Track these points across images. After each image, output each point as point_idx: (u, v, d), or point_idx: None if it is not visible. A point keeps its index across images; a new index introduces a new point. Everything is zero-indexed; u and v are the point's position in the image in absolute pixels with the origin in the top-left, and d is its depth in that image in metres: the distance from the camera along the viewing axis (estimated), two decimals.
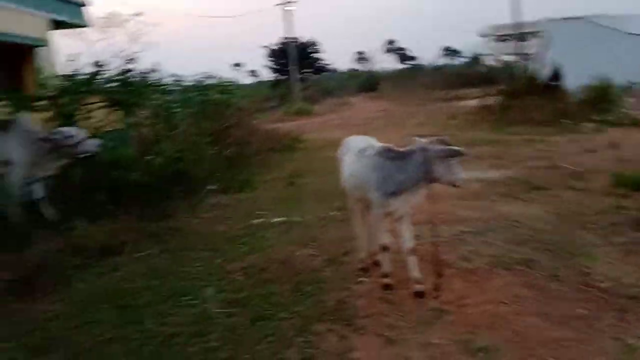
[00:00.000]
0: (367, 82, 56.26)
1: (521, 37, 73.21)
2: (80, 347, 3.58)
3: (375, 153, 4.09)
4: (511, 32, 72.10)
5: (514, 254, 4.67)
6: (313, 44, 46.15)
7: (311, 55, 45.68)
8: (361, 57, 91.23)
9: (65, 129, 6.51)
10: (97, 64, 8.85)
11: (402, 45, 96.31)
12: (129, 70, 8.92)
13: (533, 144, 10.33)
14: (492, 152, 9.74)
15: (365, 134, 5.10)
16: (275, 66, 46.91)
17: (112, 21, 8.39)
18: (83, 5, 13.33)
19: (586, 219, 5.54)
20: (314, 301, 3.96)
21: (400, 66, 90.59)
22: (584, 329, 3.34)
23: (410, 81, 46.48)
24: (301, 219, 6.43)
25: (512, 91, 16.34)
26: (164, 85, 10.05)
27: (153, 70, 10.10)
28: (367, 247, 4.54)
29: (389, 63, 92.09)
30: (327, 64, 48.76)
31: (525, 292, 3.90)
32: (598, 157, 8.71)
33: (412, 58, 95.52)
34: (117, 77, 8.69)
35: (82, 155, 6.46)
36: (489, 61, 70.81)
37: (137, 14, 8.39)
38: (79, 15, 13.12)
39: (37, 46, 11.12)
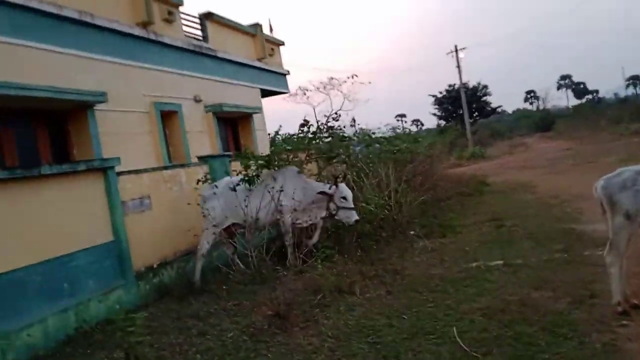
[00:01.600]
0: (540, 122, 53.19)
1: None
2: None
3: None
4: None
5: None
6: (482, 87, 45.28)
7: (480, 99, 44.76)
8: (532, 96, 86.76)
9: (344, 188, 7.35)
10: (305, 124, 9.83)
11: (578, 80, 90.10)
12: (332, 127, 9.72)
13: None
14: None
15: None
16: (440, 113, 46.94)
17: (330, 84, 9.30)
18: (287, 74, 15.05)
19: None
20: (575, 344, 3.79)
21: (577, 101, 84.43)
22: None
23: (592, 117, 42.95)
24: (522, 261, 6.24)
25: None
26: (361, 137, 10.74)
27: (351, 125, 10.91)
28: (622, 288, 4.26)
29: (563, 100, 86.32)
30: (496, 107, 47.26)
31: None
32: None
33: (591, 92, 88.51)
34: (322, 134, 9.53)
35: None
36: None
37: (353, 76, 9.30)
38: (284, 83, 14.82)
39: (254, 113, 12.77)
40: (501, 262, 6.37)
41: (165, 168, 8.08)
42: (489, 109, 46.81)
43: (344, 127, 10.49)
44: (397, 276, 6.38)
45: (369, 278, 6.33)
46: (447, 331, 4.46)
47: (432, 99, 46.48)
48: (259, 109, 13.07)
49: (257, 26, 13.83)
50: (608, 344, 3.71)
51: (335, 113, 9.47)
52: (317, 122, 9.05)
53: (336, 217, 7.36)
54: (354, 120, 10.91)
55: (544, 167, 18.32)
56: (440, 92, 46.16)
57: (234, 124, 12.78)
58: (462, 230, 8.71)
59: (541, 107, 74.37)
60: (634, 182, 4.13)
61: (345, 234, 7.63)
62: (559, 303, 4.67)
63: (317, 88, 9.42)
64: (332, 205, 7.16)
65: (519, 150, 33.11)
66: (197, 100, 10.93)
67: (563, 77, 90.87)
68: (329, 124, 9.66)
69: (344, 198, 7.16)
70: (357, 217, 7.27)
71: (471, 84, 43.81)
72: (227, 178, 7.72)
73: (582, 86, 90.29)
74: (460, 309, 4.98)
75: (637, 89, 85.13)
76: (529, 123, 57.10)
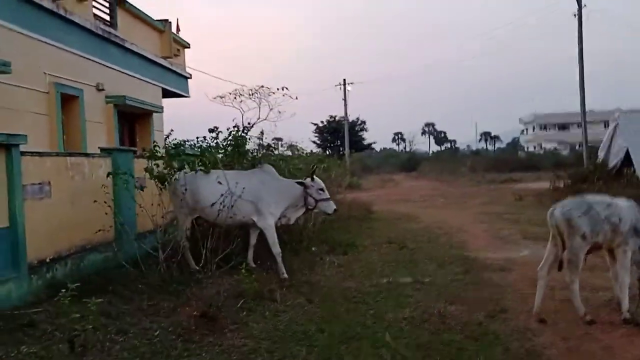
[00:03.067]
0: (407, 162, 57.49)
1: (564, 126, 74.10)
2: None
3: None
4: (555, 121, 73.34)
5: None
6: (360, 122, 47.83)
7: (357, 133, 47.18)
8: (399, 137, 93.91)
9: (318, 181, 7.26)
10: (214, 130, 9.58)
11: (440, 129, 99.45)
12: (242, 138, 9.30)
13: None
14: None
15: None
16: (319, 142, 48.50)
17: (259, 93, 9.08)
18: (189, 78, 14.59)
19: None
20: (502, 350, 4.21)
21: (437, 148, 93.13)
22: None
23: (451, 163, 47.64)
24: (430, 280, 6.71)
25: (581, 175, 16.67)
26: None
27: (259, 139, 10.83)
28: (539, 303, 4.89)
29: (425, 145, 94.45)
30: (370, 142, 50.20)
31: None
32: None
33: (450, 141, 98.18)
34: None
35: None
36: (530, 148, 71.99)
37: (283, 88, 9.05)
38: (185, 86, 14.34)
39: (155, 112, 12.17)
40: (410, 279, 6.79)
41: (70, 155, 7.39)
42: (364, 144, 49.52)
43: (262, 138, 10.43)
44: (313, 287, 6.50)
45: (286, 287, 6.36)
46: (379, 337, 4.66)
47: (314, 127, 47.87)
48: (161, 109, 12.52)
49: (166, 22, 13.31)
50: (530, 350, 4.17)
51: (249, 123, 9.30)
52: (234, 130, 8.77)
53: (315, 210, 7.50)
54: (262, 133, 10.72)
55: (420, 202, 19.81)
56: (322, 122, 47.82)
57: (132, 121, 12.07)
58: (363, 250, 9.09)
59: (407, 149, 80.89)
60: (589, 209, 4.79)
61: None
62: (476, 316, 5.12)
63: (249, 94, 9.14)
64: (310, 200, 7.10)
65: (389, 185, 35.28)
66: (99, 88, 10.18)
67: (427, 124, 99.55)
68: (239, 135, 9.24)
69: (322, 190, 7.17)
70: (335, 207, 7.41)
71: (351, 118, 46.03)
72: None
73: (442, 135, 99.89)
74: (386, 318, 5.23)
75: (488, 143, 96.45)
76: (396, 162, 61.33)
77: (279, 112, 9.29)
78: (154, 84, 12.57)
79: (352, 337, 4.70)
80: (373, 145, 56.14)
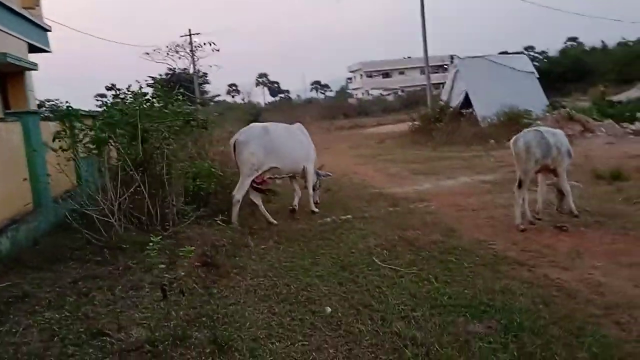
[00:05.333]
0: (248, 113, 57.84)
1: (387, 74, 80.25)
2: None
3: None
4: (379, 68, 79.05)
5: None
6: (202, 75, 46.59)
7: (201, 85, 45.98)
8: (234, 89, 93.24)
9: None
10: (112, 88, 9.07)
11: (273, 79, 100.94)
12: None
13: (483, 158, 12.63)
14: (461, 164, 11.83)
15: None
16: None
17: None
18: (49, 30, 13.12)
19: None
20: (474, 256, 5.30)
21: (271, 99, 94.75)
22: None
23: (289, 112, 49.36)
24: (369, 214, 7.63)
25: (429, 117, 19.02)
26: None
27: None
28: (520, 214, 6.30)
29: (261, 96, 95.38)
30: (214, 95, 49.38)
31: None
32: None
33: (283, 91, 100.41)
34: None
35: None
36: (359, 94, 77.14)
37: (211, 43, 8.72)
38: (46, 41, 12.90)
39: (30, 69, 10.92)
40: (350, 216, 7.62)
41: None
42: (208, 97, 48.56)
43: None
44: (272, 231, 6.99)
45: (249, 234, 6.76)
46: (370, 262, 5.42)
47: (150, 81, 45.27)
48: (35, 66, 11.21)
49: None
50: (496, 254, 5.33)
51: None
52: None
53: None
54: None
55: None
56: (160, 75, 45.47)
57: (1, 81, 10.68)
58: (284, 196, 9.65)
59: (245, 101, 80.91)
60: (542, 138, 6.09)
61: (205, 196, 7.71)
62: (433, 236, 6.16)
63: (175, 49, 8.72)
64: None
65: None
66: None
67: (261, 75, 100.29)
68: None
69: None
70: None
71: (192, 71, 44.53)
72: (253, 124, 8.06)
73: (276, 85, 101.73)
74: (358, 247, 6.00)
75: (318, 92, 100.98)
76: (238, 114, 61.31)
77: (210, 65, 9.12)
78: (19, 38, 11.17)
79: (346, 264, 5.40)
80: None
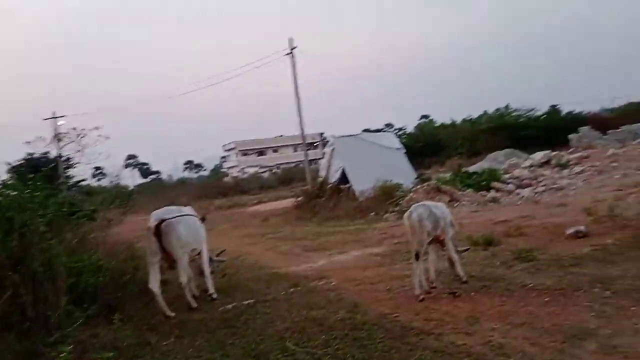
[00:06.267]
0: (120, 196, 54.95)
1: (261, 152, 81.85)
2: None
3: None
4: (254, 147, 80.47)
5: None
6: (65, 159, 43.71)
7: (65, 170, 43.01)
8: (99, 173, 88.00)
9: None
10: None
11: (143, 160, 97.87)
12: None
13: (367, 230, 13.25)
14: (349, 238, 12.27)
15: None
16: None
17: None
18: None
19: None
20: (383, 330, 5.46)
21: (142, 180, 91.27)
22: None
23: (162, 193, 48.01)
24: (272, 297, 7.54)
25: (311, 193, 19.68)
26: None
27: None
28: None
29: (131, 178, 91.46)
30: (79, 180, 46.28)
31: None
32: None
33: (154, 172, 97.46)
34: None
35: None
36: (234, 173, 77.33)
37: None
38: None
39: None
40: (252, 300, 7.48)
41: None
42: (71, 182, 45.48)
43: None
44: (171, 323, 6.62)
45: (147, 329, 6.34)
46: (282, 347, 5.33)
47: (8, 167, 41.51)
48: None
49: None
50: (403, 326, 5.55)
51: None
52: None
53: None
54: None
55: None
56: (18, 161, 41.93)
57: None
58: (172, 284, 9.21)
59: (113, 184, 76.69)
60: (431, 212, 6.51)
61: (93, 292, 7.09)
62: (340, 313, 6.26)
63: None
64: None
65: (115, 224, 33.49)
66: None
67: (130, 157, 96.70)
68: None
69: None
70: None
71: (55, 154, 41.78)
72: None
73: (146, 167, 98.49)
74: (267, 333, 5.88)
75: (192, 172, 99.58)
76: (106, 197, 58.01)
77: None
78: None
79: (259, 353, 5.27)
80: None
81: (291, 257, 10.99)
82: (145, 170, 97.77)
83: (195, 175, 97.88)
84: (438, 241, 6.91)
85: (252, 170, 70.90)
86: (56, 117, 33.55)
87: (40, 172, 10.53)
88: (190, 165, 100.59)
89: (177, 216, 7.48)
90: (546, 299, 5.87)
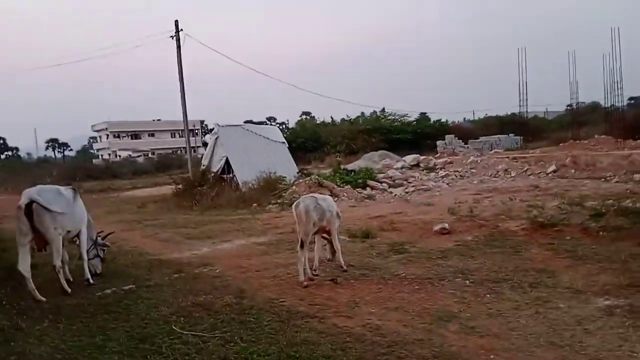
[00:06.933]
0: None
1: (136, 135, 77.85)
2: None
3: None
4: (128, 129, 76.15)
5: None
6: None
7: None
8: None
9: None
10: None
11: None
12: None
13: (251, 220, 13.37)
14: (232, 227, 12.30)
15: None
16: None
17: None
18: None
19: None
20: (272, 313, 5.69)
21: None
22: None
23: (22, 173, 43.80)
24: (155, 282, 7.42)
25: (192, 181, 19.28)
26: None
27: None
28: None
29: None
30: None
31: None
32: None
33: (11, 148, 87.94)
34: None
35: None
36: (105, 155, 72.53)
37: None
38: None
39: None
40: (133, 285, 7.29)
41: None
42: None
43: None
44: (43, 308, 6.27)
45: (16, 314, 5.95)
46: (169, 331, 5.35)
47: None
48: None
49: None
50: (289, 309, 5.82)
51: None
52: None
53: None
54: None
55: None
56: None
57: None
58: (42, 267, 8.63)
59: None
60: (317, 203, 6.80)
61: None
62: (226, 299, 6.36)
63: None
64: None
65: None
66: None
67: None
68: None
69: None
70: None
71: None
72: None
73: (1, 141, 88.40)
74: (152, 317, 5.83)
75: (56, 151, 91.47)
76: None
77: None
78: None
79: (144, 336, 5.23)
80: None
81: (172, 244, 10.77)
82: (1, 146, 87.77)
83: (59, 155, 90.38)
84: (324, 231, 7.29)
85: (125, 153, 67.23)
86: None
87: None
88: (53, 143, 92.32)
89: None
90: (416, 287, 6.50)
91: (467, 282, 6.58)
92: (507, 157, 23.16)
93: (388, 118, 48.23)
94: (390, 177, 19.68)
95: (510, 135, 37.09)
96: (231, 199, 17.15)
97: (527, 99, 32.32)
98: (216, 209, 16.27)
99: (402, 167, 22.80)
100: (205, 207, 16.55)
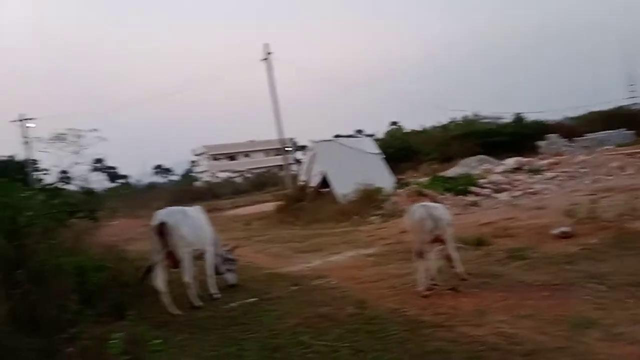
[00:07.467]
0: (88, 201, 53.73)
1: (232, 156, 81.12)
2: None
3: None
4: (225, 151, 79.74)
5: None
6: (31, 162, 42.71)
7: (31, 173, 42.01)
8: (66, 176, 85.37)
9: None
10: None
11: (110, 164, 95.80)
12: None
13: (354, 233, 13.48)
14: (338, 240, 12.49)
15: None
16: None
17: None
18: None
19: None
20: (393, 323, 5.68)
21: (111, 184, 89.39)
22: None
23: (137, 198, 47.25)
24: (274, 295, 7.68)
25: (292, 196, 19.82)
26: None
27: None
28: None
29: (99, 182, 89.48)
30: (51, 183, 45.22)
31: None
32: None
33: (123, 176, 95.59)
34: None
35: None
36: (205, 177, 76.56)
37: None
38: None
39: None
40: (256, 298, 7.60)
41: None
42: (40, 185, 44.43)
43: None
44: (179, 321, 6.70)
45: (157, 327, 6.40)
46: (298, 341, 5.50)
47: None
48: None
49: None
50: (414, 319, 5.79)
51: None
52: None
53: None
54: None
55: None
56: None
57: None
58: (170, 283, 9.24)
59: (81, 188, 74.92)
60: (431, 211, 6.72)
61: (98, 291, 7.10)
62: (348, 309, 6.46)
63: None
64: None
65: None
66: None
67: (97, 161, 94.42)
68: None
69: None
70: None
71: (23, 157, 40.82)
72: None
73: (113, 170, 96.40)
74: (279, 328, 6.02)
75: (162, 176, 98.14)
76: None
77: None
78: None
79: (276, 347, 5.42)
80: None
81: (283, 258, 11.12)
82: (113, 174, 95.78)
83: (165, 180, 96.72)
84: (438, 240, 7.18)
85: (223, 174, 70.54)
86: (24, 120, 32.32)
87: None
88: (159, 169, 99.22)
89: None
90: (545, 293, 6.21)
91: (602, 287, 6.17)
92: (621, 154, 21.49)
93: (482, 121, 46.67)
94: (494, 182, 18.94)
95: (621, 130, 34.38)
96: (331, 213, 17.37)
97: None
98: (318, 223, 16.55)
99: (503, 171, 21.88)
100: (307, 222, 16.91)
